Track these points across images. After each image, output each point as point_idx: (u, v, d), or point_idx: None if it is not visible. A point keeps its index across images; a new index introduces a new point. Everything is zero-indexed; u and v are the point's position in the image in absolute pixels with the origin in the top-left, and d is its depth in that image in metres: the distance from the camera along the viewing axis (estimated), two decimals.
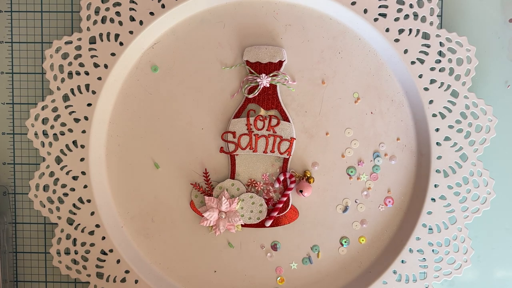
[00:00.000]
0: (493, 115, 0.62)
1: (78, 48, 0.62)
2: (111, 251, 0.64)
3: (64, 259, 0.64)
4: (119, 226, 0.66)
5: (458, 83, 0.61)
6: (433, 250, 0.63)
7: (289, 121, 0.63)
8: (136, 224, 0.66)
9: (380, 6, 0.61)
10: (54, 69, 0.63)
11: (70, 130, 0.63)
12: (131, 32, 0.62)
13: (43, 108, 0.63)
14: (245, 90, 0.63)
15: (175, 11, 0.62)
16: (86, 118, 0.63)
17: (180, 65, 0.64)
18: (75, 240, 0.64)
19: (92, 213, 0.64)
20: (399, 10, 0.61)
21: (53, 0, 0.65)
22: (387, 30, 0.61)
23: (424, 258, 0.63)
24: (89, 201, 0.64)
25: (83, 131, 0.63)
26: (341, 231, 0.65)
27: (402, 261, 0.63)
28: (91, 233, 0.64)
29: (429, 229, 0.63)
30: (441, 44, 0.61)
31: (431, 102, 0.62)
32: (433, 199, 0.62)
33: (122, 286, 0.64)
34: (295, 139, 0.63)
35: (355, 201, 0.65)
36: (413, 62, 0.61)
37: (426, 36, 0.62)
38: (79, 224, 0.64)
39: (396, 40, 0.61)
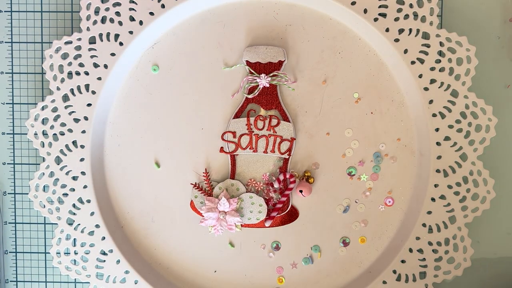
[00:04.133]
0: (493, 115, 0.62)
1: (78, 48, 0.62)
2: (111, 251, 0.64)
3: (64, 260, 0.64)
4: (119, 226, 0.66)
5: (458, 83, 0.61)
6: (433, 250, 0.63)
7: (289, 121, 0.63)
8: (136, 224, 0.66)
9: (380, 6, 0.61)
10: (54, 69, 0.63)
11: (70, 130, 0.63)
12: (131, 32, 0.62)
13: (43, 108, 0.63)
14: (245, 90, 0.63)
15: (175, 11, 0.62)
16: (86, 118, 0.63)
17: (180, 65, 0.64)
18: (75, 240, 0.64)
19: (92, 213, 0.64)
20: (399, 10, 0.61)
21: (53, 0, 0.65)
22: (387, 30, 0.61)
23: (424, 258, 0.63)
24: (89, 201, 0.64)
25: (83, 131, 0.63)
26: (341, 231, 0.65)
27: (402, 261, 0.63)
28: (91, 233, 0.64)
29: (429, 229, 0.63)
30: (441, 44, 0.61)
31: (431, 102, 0.62)
32: (433, 199, 0.62)
33: (122, 286, 0.64)
34: (295, 139, 0.63)
35: (355, 201, 0.65)
36: (413, 62, 0.61)
37: (426, 36, 0.62)
38: (79, 224, 0.64)
39: (396, 40, 0.61)
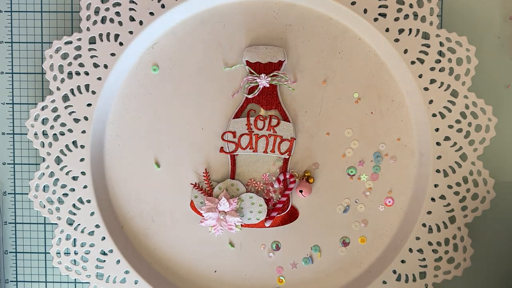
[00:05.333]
0: (493, 115, 0.62)
1: (78, 48, 0.62)
2: (111, 251, 0.64)
3: (64, 260, 0.64)
4: (119, 226, 0.66)
5: (458, 83, 0.61)
6: (433, 250, 0.63)
7: (289, 121, 0.63)
8: (136, 224, 0.66)
9: (380, 6, 0.61)
10: (54, 69, 0.63)
11: (70, 130, 0.63)
12: (131, 32, 0.62)
13: (43, 108, 0.63)
14: (245, 90, 0.63)
15: (175, 11, 0.62)
16: (86, 118, 0.63)
17: (180, 65, 0.64)
18: (75, 240, 0.64)
19: (92, 213, 0.64)
20: (399, 10, 0.61)
21: (53, 0, 0.65)
22: (387, 30, 0.61)
23: (424, 258, 0.63)
24: (89, 201, 0.64)
25: (83, 131, 0.63)
26: (341, 231, 0.65)
27: (402, 261, 0.63)
28: (91, 233, 0.64)
29: (429, 229, 0.63)
30: (441, 44, 0.61)
31: (431, 102, 0.62)
32: (433, 199, 0.62)
33: (122, 286, 0.64)
34: (295, 139, 0.63)
35: (355, 201, 0.65)
36: (413, 62, 0.61)
37: (426, 36, 0.62)
38: (79, 224, 0.64)
39: (396, 40, 0.61)
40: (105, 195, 0.65)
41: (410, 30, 0.61)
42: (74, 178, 0.64)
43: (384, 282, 0.63)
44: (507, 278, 0.66)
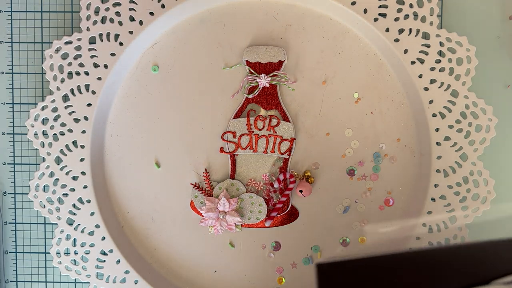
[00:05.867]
0: (493, 115, 0.62)
1: (78, 48, 0.62)
2: (111, 251, 0.64)
3: (64, 260, 0.64)
4: (119, 226, 0.66)
5: (458, 83, 0.61)
6: None
7: (289, 121, 0.63)
8: (136, 224, 0.66)
9: (380, 6, 0.61)
10: (54, 69, 0.63)
11: (70, 130, 0.63)
12: (131, 32, 0.62)
13: (43, 108, 0.63)
14: (245, 90, 0.63)
15: (175, 11, 0.62)
16: (86, 118, 0.63)
17: (180, 65, 0.64)
18: (75, 240, 0.64)
19: (92, 213, 0.64)
20: (399, 10, 0.61)
21: (53, 0, 0.65)
22: (387, 30, 0.61)
23: None
24: (89, 201, 0.64)
25: (83, 131, 0.63)
26: (341, 231, 0.65)
27: None
28: (91, 233, 0.64)
29: (429, 228, 0.63)
30: (441, 44, 0.61)
31: (431, 102, 0.62)
32: (433, 199, 0.62)
33: (122, 286, 0.64)
34: (295, 139, 0.63)
35: (355, 201, 0.65)
36: (413, 62, 0.61)
37: (426, 36, 0.62)
38: (79, 224, 0.64)
39: (396, 40, 0.61)
40: (105, 195, 0.65)
41: (410, 30, 0.61)
42: (74, 178, 0.64)
43: None
44: None
